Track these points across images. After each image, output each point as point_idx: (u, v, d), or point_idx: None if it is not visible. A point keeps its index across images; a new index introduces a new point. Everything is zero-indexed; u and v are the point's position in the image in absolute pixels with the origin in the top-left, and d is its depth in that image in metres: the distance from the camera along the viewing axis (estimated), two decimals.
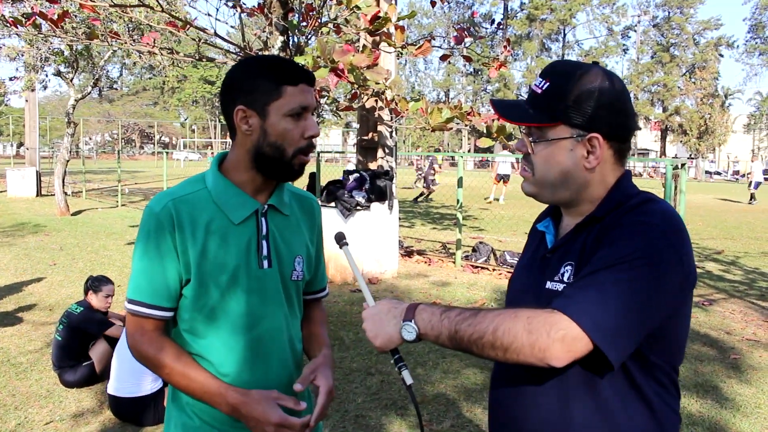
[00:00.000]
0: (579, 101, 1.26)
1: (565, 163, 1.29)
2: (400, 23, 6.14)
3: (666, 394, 1.29)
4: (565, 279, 1.27)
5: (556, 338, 1.12)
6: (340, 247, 1.59)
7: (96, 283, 4.52)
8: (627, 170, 1.35)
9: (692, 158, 44.94)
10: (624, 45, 58.32)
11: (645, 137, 59.95)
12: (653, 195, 1.31)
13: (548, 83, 1.30)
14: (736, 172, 48.33)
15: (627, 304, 1.14)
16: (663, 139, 54.29)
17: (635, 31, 58.07)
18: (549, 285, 1.30)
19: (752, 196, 21.76)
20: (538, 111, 1.30)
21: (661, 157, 47.82)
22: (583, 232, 1.30)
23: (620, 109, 1.28)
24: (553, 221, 1.43)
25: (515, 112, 1.35)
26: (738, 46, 58.11)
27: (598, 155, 1.28)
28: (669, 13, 55.38)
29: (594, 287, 1.15)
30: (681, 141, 51.70)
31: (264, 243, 1.54)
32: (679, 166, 6.31)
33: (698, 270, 8.65)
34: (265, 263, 1.53)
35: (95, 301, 4.49)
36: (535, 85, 1.33)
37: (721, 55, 53.29)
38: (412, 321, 1.28)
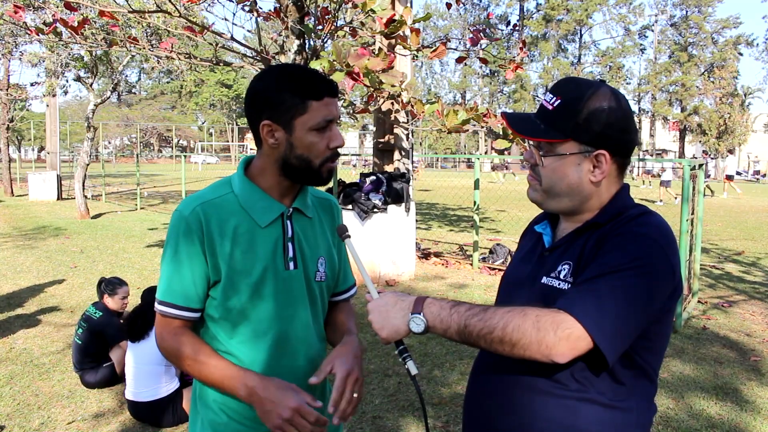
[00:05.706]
0: (589, 120, 1.34)
1: (572, 176, 1.38)
2: (416, 26, 6.16)
3: (644, 389, 1.39)
4: (561, 276, 1.36)
5: (562, 337, 1.19)
6: (342, 240, 1.63)
7: (110, 287, 4.58)
8: (625, 183, 1.44)
9: (712, 158, 44.34)
10: (641, 45, 57.73)
11: (663, 137, 59.33)
12: (649, 208, 1.40)
13: (560, 101, 1.37)
14: (757, 172, 47.66)
15: (625, 308, 1.23)
16: (681, 139, 53.63)
17: (652, 30, 57.48)
18: (545, 280, 1.39)
19: None
20: (549, 127, 1.38)
21: (679, 157, 47.34)
22: (583, 236, 1.39)
23: (625, 128, 1.37)
24: (550, 224, 1.51)
25: (527, 127, 1.42)
26: (758, 44, 57.10)
27: (603, 170, 1.37)
28: (687, 12, 54.74)
29: (597, 291, 1.23)
30: (700, 141, 51.06)
31: (290, 245, 1.57)
32: (697, 167, 6.26)
33: (718, 271, 8.57)
34: (291, 264, 1.57)
35: (111, 303, 4.55)
36: (546, 100, 1.40)
37: (741, 54, 52.49)
38: (421, 314, 1.33)
